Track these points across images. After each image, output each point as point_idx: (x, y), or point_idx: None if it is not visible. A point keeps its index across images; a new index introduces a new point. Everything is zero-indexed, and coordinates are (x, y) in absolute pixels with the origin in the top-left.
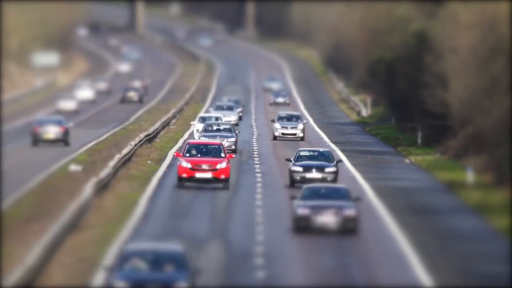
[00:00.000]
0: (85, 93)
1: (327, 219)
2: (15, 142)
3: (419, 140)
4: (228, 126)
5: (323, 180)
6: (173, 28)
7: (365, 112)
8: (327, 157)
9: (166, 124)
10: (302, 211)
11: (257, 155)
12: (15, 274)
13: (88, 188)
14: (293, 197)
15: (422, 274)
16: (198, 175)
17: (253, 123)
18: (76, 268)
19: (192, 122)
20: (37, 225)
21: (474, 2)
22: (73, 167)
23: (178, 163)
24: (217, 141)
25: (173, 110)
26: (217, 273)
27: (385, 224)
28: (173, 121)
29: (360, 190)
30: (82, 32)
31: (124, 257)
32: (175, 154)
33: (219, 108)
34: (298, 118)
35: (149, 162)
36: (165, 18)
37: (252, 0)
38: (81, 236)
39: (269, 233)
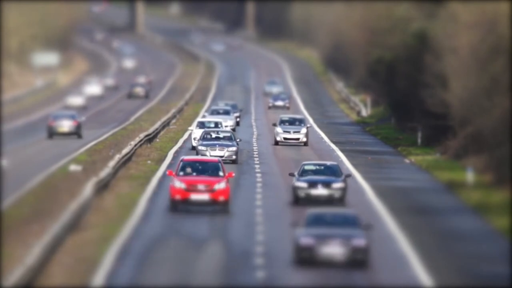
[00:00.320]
0: (94, 88)
1: (334, 250)
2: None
3: (419, 140)
4: (228, 134)
5: (330, 197)
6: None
7: (365, 112)
8: (334, 171)
9: (166, 124)
10: (305, 240)
11: (257, 155)
12: (15, 274)
13: (88, 188)
14: (294, 224)
15: (422, 274)
16: (194, 196)
17: (253, 123)
18: (76, 268)
19: (190, 128)
20: (37, 225)
21: (474, 2)
22: (73, 167)
23: (170, 183)
24: (216, 151)
25: (173, 110)
26: (217, 273)
27: (385, 224)
28: (173, 121)
29: (360, 190)
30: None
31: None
32: (167, 173)
33: (215, 112)
34: (301, 121)
35: (149, 162)
36: (165, 18)
37: (252, 0)
38: (81, 236)
39: (269, 233)
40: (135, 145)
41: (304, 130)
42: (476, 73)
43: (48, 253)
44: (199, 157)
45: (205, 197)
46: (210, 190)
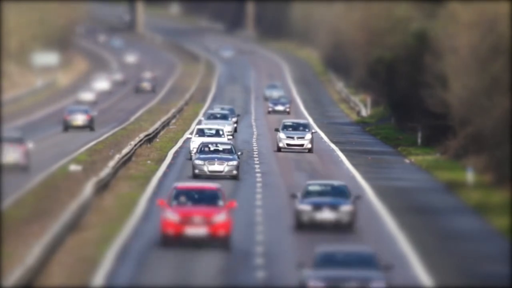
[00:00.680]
0: (103, 84)
1: None
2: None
3: (419, 140)
4: (228, 146)
5: (337, 222)
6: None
7: (365, 112)
8: (342, 192)
9: (166, 124)
10: (315, 285)
11: (257, 155)
12: (15, 274)
13: (88, 188)
14: (300, 265)
15: (422, 274)
16: (189, 230)
17: (253, 123)
18: (76, 268)
19: (188, 136)
20: (37, 225)
21: (474, 2)
22: (73, 167)
23: (162, 215)
24: (215, 165)
25: (173, 110)
26: (217, 273)
27: (385, 224)
28: (173, 121)
29: (360, 190)
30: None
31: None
32: (158, 202)
33: (212, 117)
34: (305, 127)
35: (149, 162)
36: (165, 18)
37: (252, 0)
38: (81, 236)
39: (269, 233)
40: (135, 145)
41: (308, 136)
42: (476, 73)
43: (48, 253)
44: (195, 184)
45: (202, 231)
46: (208, 223)
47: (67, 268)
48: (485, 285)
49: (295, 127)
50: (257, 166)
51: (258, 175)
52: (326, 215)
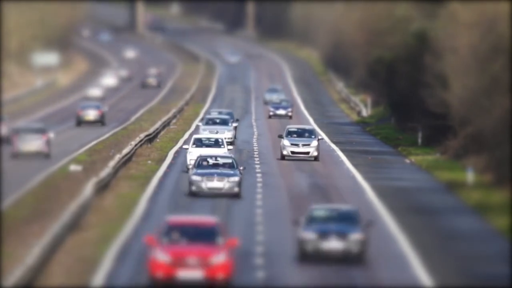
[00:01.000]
0: (110, 80)
1: None
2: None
3: (419, 140)
4: (229, 160)
5: (346, 252)
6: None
7: (365, 112)
8: (352, 218)
9: (166, 124)
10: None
11: (257, 155)
12: (15, 274)
13: (88, 188)
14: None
15: (422, 274)
16: (183, 274)
17: (253, 123)
18: (76, 268)
19: (185, 147)
20: (37, 225)
21: (474, 2)
22: (73, 167)
23: (150, 255)
24: (214, 181)
25: (173, 110)
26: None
27: (385, 224)
28: (174, 121)
29: (360, 190)
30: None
31: None
32: (145, 239)
33: (210, 122)
34: (311, 133)
35: (149, 162)
36: (165, 18)
37: (252, 0)
38: (81, 236)
39: (269, 233)
40: (136, 145)
41: (314, 143)
42: (476, 73)
43: (48, 253)
44: (190, 218)
45: (197, 274)
46: (205, 265)
47: (67, 268)
48: (485, 285)
49: (300, 133)
50: (257, 166)
51: (259, 175)
52: (333, 244)
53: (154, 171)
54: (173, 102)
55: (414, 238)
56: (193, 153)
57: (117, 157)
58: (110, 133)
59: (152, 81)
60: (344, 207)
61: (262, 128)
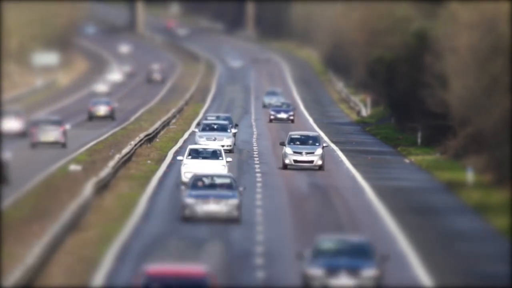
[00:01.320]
0: (116, 76)
1: None
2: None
3: (419, 140)
4: (227, 180)
5: None
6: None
7: (365, 112)
8: (364, 250)
9: (166, 124)
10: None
11: (257, 155)
12: (15, 274)
13: (88, 188)
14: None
15: (422, 274)
16: None
17: (253, 123)
18: (76, 268)
19: (179, 158)
20: (37, 225)
21: (474, 2)
22: (73, 167)
23: None
24: (210, 204)
25: (173, 110)
26: (217, 273)
27: (385, 224)
28: (173, 121)
29: (360, 190)
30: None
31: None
32: None
33: (207, 128)
34: (315, 140)
35: (149, 162)
36: (165, 18)
37: (252, 0)
38: (81, 236)
39: (269, 233)
40: (135, 145)
41: (319, 151)
42: (476, 73)
43: (48, 253)
44: (173, 268)
45: None
46: None
47: (67, 268)
48: (485, 285)
49: (304, 140)
50: (257, 166)
51: (258, 175)
52: (344, 281)
53: (154, 171)
54: (173, 102)
55: (414, 238)
56: (188, 165)
57: (117, 157)
58: (110, 133)
59: (156, 76)
60: (355, 238)
61: (262, 128)
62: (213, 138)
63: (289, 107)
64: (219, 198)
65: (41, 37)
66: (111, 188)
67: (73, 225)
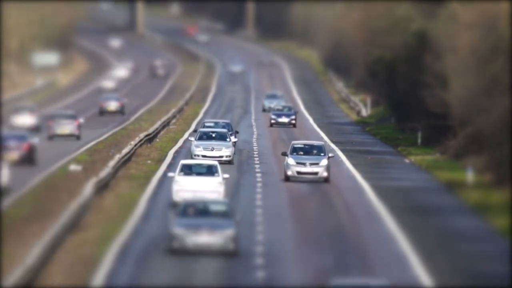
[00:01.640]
0: (121, 72)
1: None
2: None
3: (419, 140)
4: (222, 207)
5: None
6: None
7: (365, 112)
8: None
9: (166, 124)
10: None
11: (257, 155)
12: (15, 274)
13: (88, 188)
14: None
15: (422, 274)
16: None
17: (253, 123)
18: (76, 268)
19: (170, 174)
20: (37, 225)
21: (474, 2)
22: (73, 167)
23: None
24: (202, 236)
25: (173, 110)
26: (217, 273)
27: (385, 224)
28: (173, 121)
29: (360, 190)
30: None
31: None
32: None
33: (205, 137)
34: (320, 150)
35: (149, 162)
36: (165, 18)
37: (252, 0)
38: (81, 236)
39: (269, 233)
40: (135, 145)
41: (324, 162)
42: (476, 73)
43: (48, 253)
44: None
45: None
46: None
47: (67, 268)
48: (485, 285)
49: (308, 150)
50: (257, 166)
51: (258, 175)
52: None
53: (154, 171)
54: (173, 102)
55: (414, 238)
56: (180, 182)
57: (117, 157)
58: (110, 133)
59: (160, 72)
60: (375, 283)
61: (262, 128)
62: (211, 148)
63: (291, 110)
64: (213, 228)
65: (41, 37)
66: (111, 188)
67: (73, 225)
